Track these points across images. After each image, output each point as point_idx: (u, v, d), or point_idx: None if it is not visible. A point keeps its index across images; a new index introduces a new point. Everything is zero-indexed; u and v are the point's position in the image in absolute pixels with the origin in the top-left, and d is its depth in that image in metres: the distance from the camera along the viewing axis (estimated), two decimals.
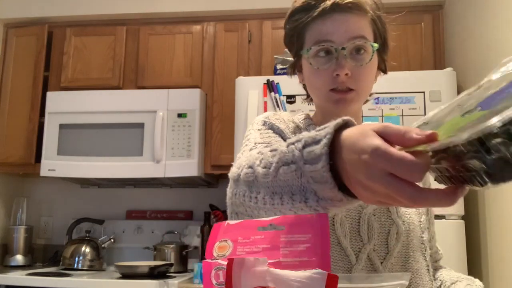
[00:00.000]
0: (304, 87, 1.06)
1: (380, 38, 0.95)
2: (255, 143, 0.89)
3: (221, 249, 0.56)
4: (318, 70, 0.91)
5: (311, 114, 1.07)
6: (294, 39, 0.96)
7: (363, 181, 0.50)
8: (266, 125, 0.96)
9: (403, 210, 0.94)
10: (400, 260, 0.91)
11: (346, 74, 0.89)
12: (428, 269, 0.95)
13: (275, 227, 0.56)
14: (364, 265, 0.88)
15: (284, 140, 0.92)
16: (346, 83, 0.89)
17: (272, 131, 0.95)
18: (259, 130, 0.95)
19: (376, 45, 0.92)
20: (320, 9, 0.89)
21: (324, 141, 0.54)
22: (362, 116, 1.11)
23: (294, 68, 1.02)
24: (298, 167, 0.57)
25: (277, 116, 1.00)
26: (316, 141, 0.55)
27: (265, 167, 0.64)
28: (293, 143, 0.60)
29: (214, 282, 0.53)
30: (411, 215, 0.95)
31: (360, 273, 0.86)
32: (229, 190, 0.76)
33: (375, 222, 0.90)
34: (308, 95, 1.07)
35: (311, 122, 1.02)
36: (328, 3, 0.89)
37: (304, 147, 0.57)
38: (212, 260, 0.54)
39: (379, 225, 0.90)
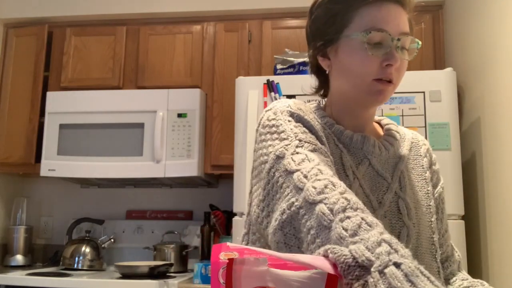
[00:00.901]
0: (321, 76, 0.99)
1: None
2: (300, 140, 0.81)
3: (228, 256, 0.55)
4: (368, 57, 0.86)
5: (321, 103, 1.00)
6: (336, 20, 0.89)
7: None
8: (294, 118, 0.88)
9: (413, 211, 0.92)
10: None
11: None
12: (438, 271, 0.93)
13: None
14: None
15: (320, 140, 0.87)
16: (392, 75, 0.87)
17: (302, 125, 0.87)
18: (290, 121, 0.86)
19: (420, 43, 0.92)
20: None
21: None
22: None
23: (317, 53, 0.95)
24: (365, 274, 0.52)
25: (298, 105, 0.92)
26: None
27: (345, 230, 0.59)
28: (392, 247, 0.53)
29: (221, 281, 0.53)
30: (421, 216, 0.93)
31: None
32: (293, 199, 0.71)
33: (386, 224, 0.88)
34: (321, 87, 1.01)
35: (324, 114, 0.95)
36: None
37: (396, 266, 0.50)
38: (220, 259, 0.54)
39: (390, 228, 0.88)
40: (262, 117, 0.90)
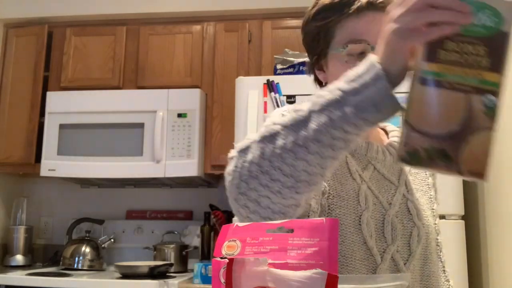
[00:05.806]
0: (322, 87, 1.03)
1: None
2: (274, 123, 0.83)
3: (230, 248, 0.56)
4: (351, 69, 0.90)
5: None
6: (321, 36, 0.94)
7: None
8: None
9: (422, 213, 0.95)
10: (419, 262, 0.92)
11: None
12: (444, 270, 0.98)
13: (284, 230, 0.56)
14: (389, 266, 0.88)
15: None
16: None
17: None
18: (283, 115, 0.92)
19: None
20: (355, 6, 0.89)
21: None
22: None
23: (314, 67, 1.00)
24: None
25: None
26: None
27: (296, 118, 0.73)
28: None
29: (222, 280, 0.53)
30: (429, 218, 0.96)
31: (359, 274, 0.86)
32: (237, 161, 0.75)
33: (398, 223, 0.91)
34: None
35: None
36: (363, 0, 0.89)
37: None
38: (221, 258, 0.55)
39: (402, 227, 0.91)
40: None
